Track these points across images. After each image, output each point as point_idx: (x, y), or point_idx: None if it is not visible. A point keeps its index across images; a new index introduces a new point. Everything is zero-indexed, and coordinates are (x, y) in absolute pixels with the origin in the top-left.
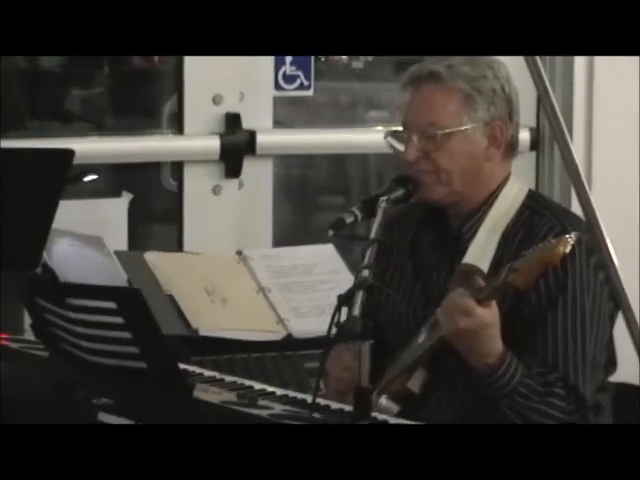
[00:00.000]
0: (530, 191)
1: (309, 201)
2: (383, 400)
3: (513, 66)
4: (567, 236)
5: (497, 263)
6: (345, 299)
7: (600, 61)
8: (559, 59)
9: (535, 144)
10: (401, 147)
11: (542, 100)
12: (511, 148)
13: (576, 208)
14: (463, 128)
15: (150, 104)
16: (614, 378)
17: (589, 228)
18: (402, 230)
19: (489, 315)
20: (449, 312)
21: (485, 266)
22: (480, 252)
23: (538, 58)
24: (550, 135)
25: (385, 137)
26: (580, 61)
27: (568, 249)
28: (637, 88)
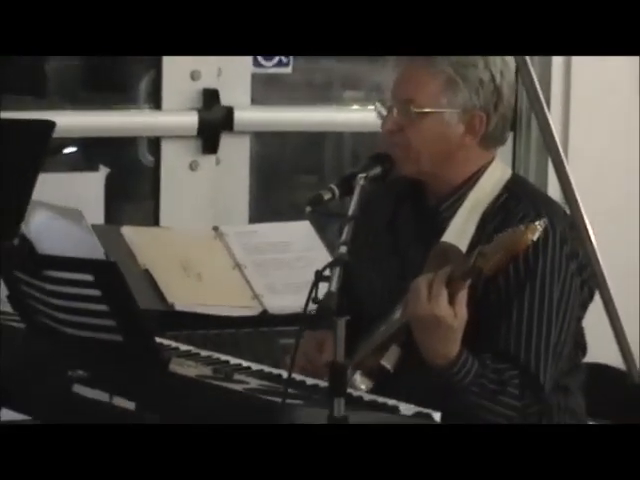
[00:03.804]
0: (513, 175)
1: (285, 178)
2: (357, 376)
3: None
4: (536, 223)
5: (475, 244)
6: (322, 275)
7: None
8: None
9: (512, 124)
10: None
11: (521, 72)
12: (493, 138)
13: (553, 186)
14: (439, 110)
15: (128, 79)
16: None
17: (568, 205)
18: (380, 204)
19: (453, 317)
20: (414, 295)
21: (464, 246)
22: (459, 231)
23: None
24: (527, 114)
25: (374, 103)
26: None
27: (536, 236)
28: (616, 65)
